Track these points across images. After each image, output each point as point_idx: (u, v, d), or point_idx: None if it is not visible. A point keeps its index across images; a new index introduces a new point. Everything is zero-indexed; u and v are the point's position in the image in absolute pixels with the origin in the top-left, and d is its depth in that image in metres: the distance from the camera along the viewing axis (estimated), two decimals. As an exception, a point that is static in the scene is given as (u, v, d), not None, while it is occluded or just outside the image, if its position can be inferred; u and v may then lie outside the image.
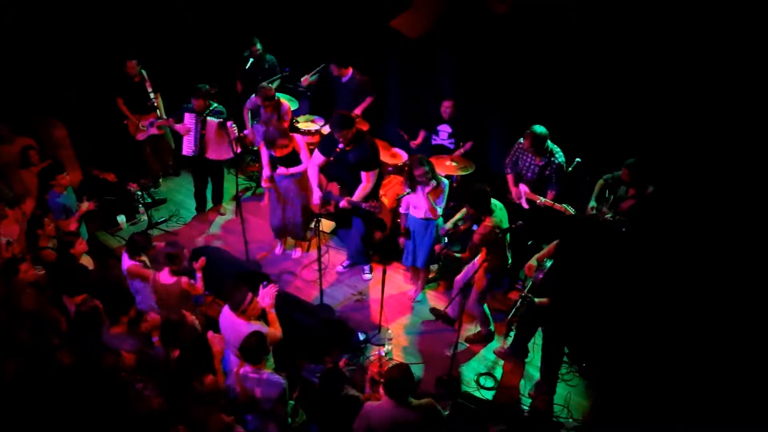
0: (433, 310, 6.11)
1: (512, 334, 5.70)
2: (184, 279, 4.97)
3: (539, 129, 5.60)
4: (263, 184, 6.36)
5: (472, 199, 5.15)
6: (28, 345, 4.24)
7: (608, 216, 5.39)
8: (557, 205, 5.54)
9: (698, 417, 4.59)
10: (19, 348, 4.24)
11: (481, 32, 6.45)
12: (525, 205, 5.91)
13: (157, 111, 7.64)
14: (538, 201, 5.68)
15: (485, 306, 5.71)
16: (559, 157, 5.76)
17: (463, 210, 5.55)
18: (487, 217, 5.11)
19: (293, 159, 6.12)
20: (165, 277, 4.99)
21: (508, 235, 5.27)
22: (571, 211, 5.45)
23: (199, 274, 5.11)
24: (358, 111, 7.27)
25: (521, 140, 5.93)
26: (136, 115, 7.53)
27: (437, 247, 5.75)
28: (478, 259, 5.39)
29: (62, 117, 7.49)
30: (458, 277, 5.75)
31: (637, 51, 5.54)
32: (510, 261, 5.46)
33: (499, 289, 6.42)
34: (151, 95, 7.51)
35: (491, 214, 5.11)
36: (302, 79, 7.74)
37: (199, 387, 4.05)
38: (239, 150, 6.96)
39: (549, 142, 5.71)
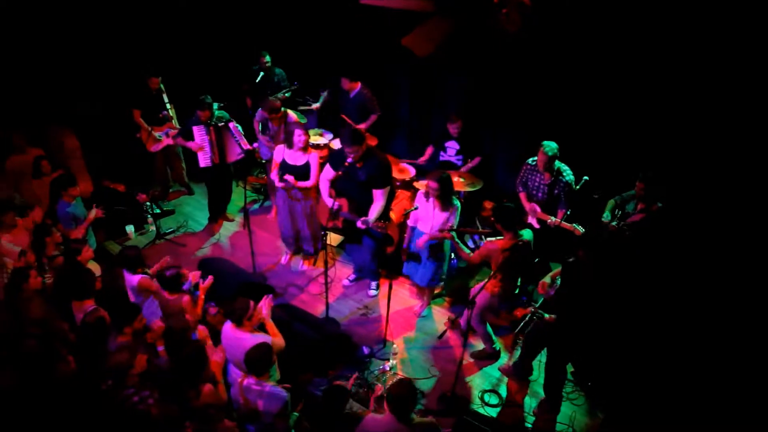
0: (442, 334, 6.10)
1: (519, 350, 5.67)
2: (186, 298, 4.95)
3: (549, 143, 5.67)
4: (273, 177, 6.40)
5: (498, 213, 5.12)
6: (34, 353, 4.25)
7: (614, 223, 5.43)
8: (567, 225, 5.56)
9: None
10: (25, 356, 4.25)
11: (491, 50, 6.49)
12: (536, 225, 5.92)
13: (172, 121, 7.73)
14: (549, 221, 5.70)
15: (487, 325, 5.70)
16: (567, 175, 5.80)
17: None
18: (507, 234, 5.09)
19: (305, 173, 6.19)
20: (167, 292, 5.01)
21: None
22: (581, 230, 5.46)
23: (201, 294, 5.08)
24: (363, 127, 7.32)
25: (529, 161, 5.96)
26: (152, 126, 7.61)
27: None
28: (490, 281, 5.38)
29: (74, 127, 7.58)
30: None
31: (645, 69, 5.57)
32: (518, 290, 5.45)
33: (504, 307, 6.43)
34: (167, 105, 7.61)
35: (512, 233, 5.06)
36: (313, 107, 7.94)
37: (196, 399, 4.05)
38: (247, 146, 7.05)
39: (557, 161, 5.75)
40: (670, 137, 5.63)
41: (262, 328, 4.61)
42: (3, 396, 3.99)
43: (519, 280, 5.44)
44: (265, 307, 4.58)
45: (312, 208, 6.48)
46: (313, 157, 6.21)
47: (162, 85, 7.56)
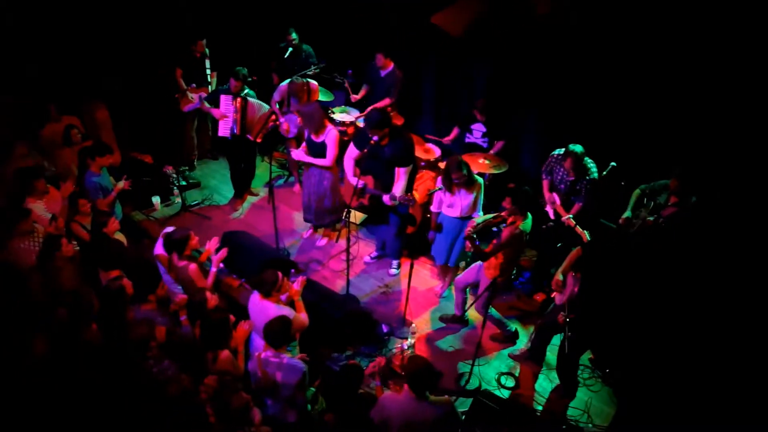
0: (441, 318, 6.15)
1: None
2: (192, 266, 4.95)
3: (578, 148, 5.55)
4: (294, 155, 6.47)
5: (516, 196, 5.12)
6: (65, 321, 4.34)
7: (650, 218, 5.33)
8: (578, 229, 5.50)
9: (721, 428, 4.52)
10: (56, 324, 4.35)
11: (522, 32, 6.40)
12: (551, 215, 5.88)
13: (209, 87, 7.83)
14: (564, 218, 5.66)
15: (492, 309, 5.64)
16: (593, 173, 5.71)
17: (489, 216, 5.49)
18: (519, 219, 5.11)
19: (322, 150, 6.21)
20: (176, 258, 5.04)
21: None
22: (588, 237, 5.39)
23: (213, 269, 5.07)
24: (379, 105, 7.32)
25: (555, 152, 5.88)
26: (190, 87, 7.75)
27: (471, 223, 5.61)
28: (485, 263, 5.39)
29: (105, 99, 7.68)
30: (458, 278, 5.77)
31: (676, 55, 5.45)
32: (515, 271, 5.45)
33: (524, 290, 6.44)
34: (208, 72, 7.77)
35: (525, 218, 5.12)
36: (352, 97, 7.92)
37: (212, 363, 4.13)
38: (259, 140, 7.12)
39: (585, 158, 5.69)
40: (702, 125, 5.51)
41: (291, 303, 4.69)
42: (35, 364, 4.10)
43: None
44: (297, 284, 4.67)
45: (331, 181, 6.49)
46: (331, 137, 6.17)
47: (207, 50, 7.72)
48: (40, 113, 6.66)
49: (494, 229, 5.38)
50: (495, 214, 5.32)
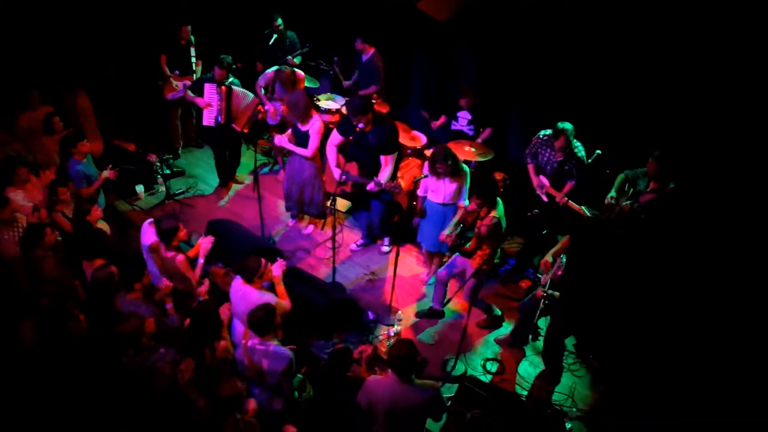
0: (418, 314, 6.13)
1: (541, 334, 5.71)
2: (180, 257, 4.91)
3: (568, 126, 5.55)
4: (276, 141, 6.43)
5: (482, 190, 5.13)
6: (49, 311, 4.30)
7: (627, 203, 5.36)
8: (575, 206, 5.53)
9: (704, 413, 4.58)
10: (39, 313, 4.31)
11: (507, 19, 6.39)
12: (544, 198, 5.89)
13: (194, 76, 7.76)
14: (557, 197, 5.67)
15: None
16: (579, 152, 5.73)
17: (456, 218, 5.52)
18: (492, 209, 5.13)
19: (306, 139, 6.17)
20: (163, 249, 5.00)
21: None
22: (588, 213, 5.43)
23: (201, 261, 5.03)
24: (365, 93, 7.30)
25: (540, 135, 5.88)
26: (174, 75, 7.69)
27: (441, 235, 5.58)
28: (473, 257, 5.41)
29: (87, 86, 7.58)
30: (441, 271, 5.76)
31: (662, 42, 5.48)
32: (498, 257, 5.48)
33: (510, 277, 6.48)
34: (193, 60, 7.70)
35: (495, 207, 5.14)
36: (344, 84, 7.97)
37: (210, 356, 4.12)
38: (246, 130, 7.02)
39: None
40: (686, 115, 5.54)
41: (272, 288, 4.67)
42: (23, 353, 4.07)
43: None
44: (277, 268, 4.65)
45: (312, 171, 6.42)
46: (314, 129, 6.09)
47: (192, 38, 7.64)
48: (22, 100, 6.56)
49: (468, 235, 5.42)
50: (464, 216, 5.37)
